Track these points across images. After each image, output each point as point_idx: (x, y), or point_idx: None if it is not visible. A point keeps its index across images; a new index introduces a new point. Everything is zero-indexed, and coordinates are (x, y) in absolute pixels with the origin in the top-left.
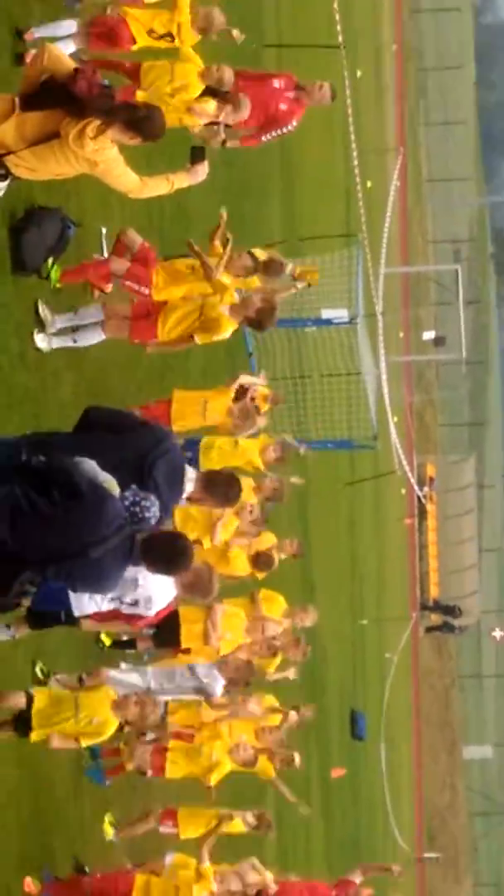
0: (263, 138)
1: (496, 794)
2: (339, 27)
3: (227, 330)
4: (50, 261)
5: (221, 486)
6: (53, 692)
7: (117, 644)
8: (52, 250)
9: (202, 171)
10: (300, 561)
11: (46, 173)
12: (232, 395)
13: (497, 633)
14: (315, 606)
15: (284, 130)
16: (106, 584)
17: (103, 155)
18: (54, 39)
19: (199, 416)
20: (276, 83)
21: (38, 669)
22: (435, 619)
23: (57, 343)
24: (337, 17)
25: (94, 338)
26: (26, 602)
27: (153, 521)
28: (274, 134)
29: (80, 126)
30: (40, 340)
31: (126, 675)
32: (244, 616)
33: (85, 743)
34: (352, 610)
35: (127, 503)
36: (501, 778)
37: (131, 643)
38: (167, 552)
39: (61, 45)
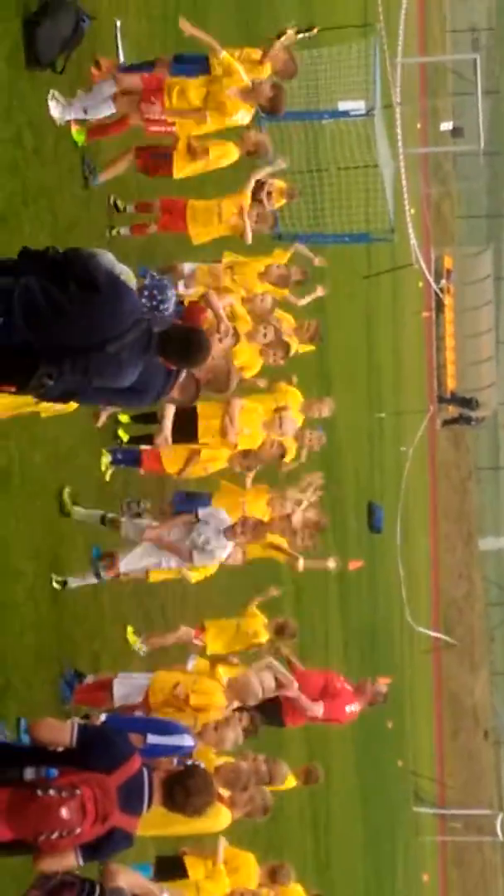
0: None
1: None
2: None
3: (239, 112)
4: (73, 127)
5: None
6: None
7: (136, 418)
8: (67, 43)
9: None
10: (318, 354)
11: None
12: (248, 194)
13: None
14: (332, 398)
15: None
16: (123, 379)
17: None
18: None
19: (216, 219)
20: None
21: (65, 494)
22: (452, 411)
23: (70, 114)
24: None
25: (105, 109)
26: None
27: (171, 309)
28: None
29: None
30: (53, 108)
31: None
32: (262, 411)
33: None
34: (369, 403)
35: (146, 293)
36: None
37: (152, 416)
38: (184, 344)
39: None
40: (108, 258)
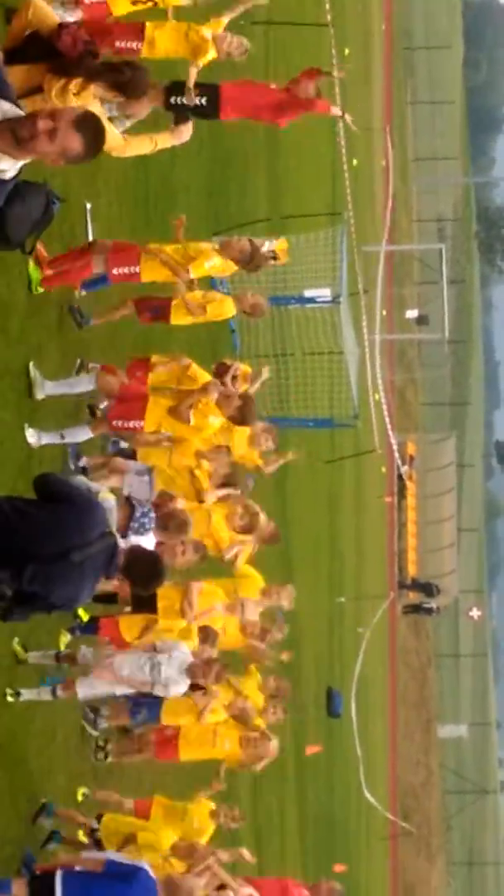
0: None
1: (470, 773)
2: (327, 5)
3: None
4: (31, 265)
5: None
6: None
7: (97, 598)
8: (37, 224)
9: (186, 131)
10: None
11: None
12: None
13: (474, 613)
14: (293, 586)
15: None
16: (81, 594)
17: None
18: None
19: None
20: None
21: (15, 644)
22: (413, 597)
23: (46, 439)
24: None
25: (82, 435)
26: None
27: (151, 525)
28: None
29: (63, 81)
30: (31, 436)
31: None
32: (223, 594)
33: None
34: (330, 587)
35: (138, 514)
36: (475, 757)
37: (112, 597)
38: (147, 572)
39: None
40: (80, 479)
